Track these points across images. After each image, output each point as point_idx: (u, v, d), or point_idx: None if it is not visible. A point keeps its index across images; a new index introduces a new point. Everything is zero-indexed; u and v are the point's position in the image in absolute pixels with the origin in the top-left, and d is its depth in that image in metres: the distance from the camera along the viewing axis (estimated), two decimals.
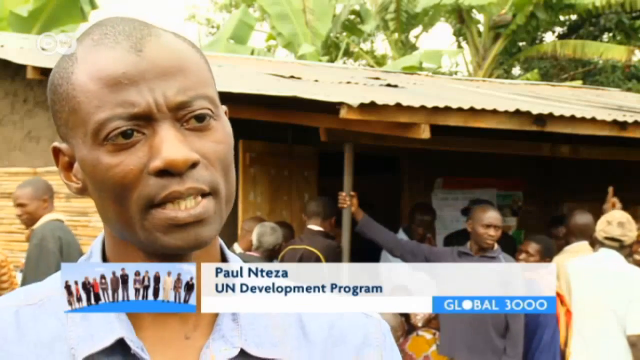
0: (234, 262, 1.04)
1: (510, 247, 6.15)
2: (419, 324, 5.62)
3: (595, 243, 4.93)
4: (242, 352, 0.98)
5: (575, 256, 5.65)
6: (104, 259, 1.02)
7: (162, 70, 0.93)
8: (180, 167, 0.91)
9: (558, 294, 5.34)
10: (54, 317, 0.98)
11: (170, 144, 0.91)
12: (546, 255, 5.60)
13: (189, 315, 0.99)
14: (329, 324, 1.05)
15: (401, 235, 6.59)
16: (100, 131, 0.92)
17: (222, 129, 0.97)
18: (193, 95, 0.94)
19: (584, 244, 5.74)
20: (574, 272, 4.81)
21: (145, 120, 0.92)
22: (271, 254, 5.36)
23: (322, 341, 1.04)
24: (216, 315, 1.00)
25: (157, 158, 0.91)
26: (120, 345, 0.95)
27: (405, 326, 5.45)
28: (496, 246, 5.33)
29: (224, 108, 1.02)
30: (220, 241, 1.04)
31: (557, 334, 5.18)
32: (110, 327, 0.96)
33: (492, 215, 5.22)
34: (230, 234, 6.10)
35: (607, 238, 4.68)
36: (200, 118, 0.95)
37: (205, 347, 0.98)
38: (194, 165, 0.92)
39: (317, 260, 5.49)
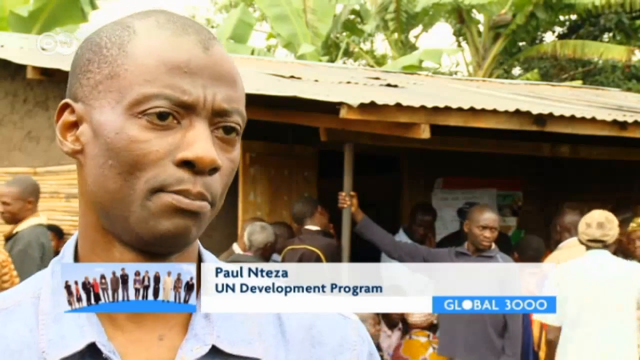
0: (209, 259, 1.04)
1: (507, 247, 6.14)
2: (416, 322, 5.61)
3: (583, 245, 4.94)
4: (214, 349, 0.98)
5: (570, 251, 5.68)
6: (76, 259, 1.01)
7: (219, 74, 0.96)
8: (205, 166, 0.93)
9: None
10: (23, 324, 0.97)
11: (205, 142, 0.93)
12: (527, 259, 5.61)
13: (164, 315, 0.98)
14: (308, 324, 1.04)
15: (402, 235, 6.59)
16: (141, 103, 0.93)
17: (238, 148, 1.00)
18: (235, 107, 0.97)
19: (577, 240, 5.78)
20: (568, 278, 4.79)
21: (187, 110, 0.94)
22: (263, 252, 5.34)
23: (300, 341, 1.03)
24: (190, 314, 0.99)
25: (189, 150, 0.93)
26: (92, 349, 0.95)
27: (377, 317, 5.45)
28: (493, 246, 5.34)
29: None
30: (198, 242, 1.04)
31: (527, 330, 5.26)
32: (81, 330, 0.95)
33: (488, 217, 5.22)
34: (230, 234, 6.10)
35: (589, 240, 4.70)
36: (230, 130, 0.97)
37: (179, 348, 0.97)
38: (214, 170, 0.94)
39: (318, 259, 5.49)
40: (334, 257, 5.49)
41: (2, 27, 12.87)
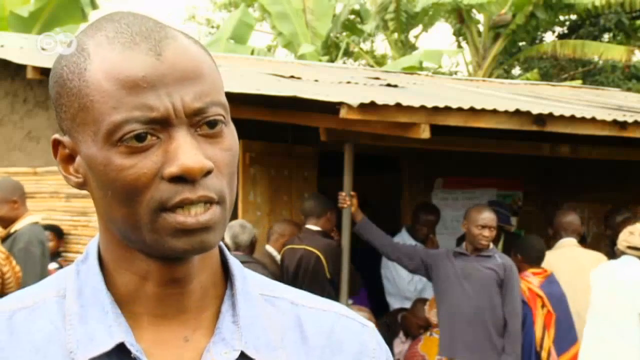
0: (234, 264, 1.05)
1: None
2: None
3: (616, 252, 5.06)
4: (243, 355, 0.98)
5: (561, 251, 5.75)
6: (100, 260, 1.01)
7: (180, 75, 0.93)
8: (195, 175, 0.91)
9: (539, 296, 5.37)
10: (49, 321, 0.98)
11: (187, 151, 0.92)
12: (531, 260, 5.61)
13: (189, 317, 0.99)
14: (328, 330, 1.05)
15: (404, 235, 6.59)
16: (115, 132, 0.92)
17: (230, 135, 0.97)
18: (209, 101, 0.94)
19: (572, 240, 5.84)
20: (596, 281, 4.89)
21: (161, 124, 0.92)
22: (251, 249, 5.40)
23: (321, 347, 1.04)
24: (216, 316, 1.00)
25: (174, 164, 0.91)
26: (120, 349, 0.95)
27: (373, 318, 5.46)
28: (492, 245, 5.35)
29: None
30: (221, 243, 1.04)
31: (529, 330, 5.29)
32: (109, 330, 0.96)
33: (486, 216, 5.22)
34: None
35: (629, 247, 4.84)
36: (213, 124, 0.95)
37: (206, 350, 0.98)
38: (207, 173, 0.93)
39: (317, 260, 5.49)
40: (334, 258, 5.48)
41: (2, 27, 12.87)
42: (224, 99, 0.97)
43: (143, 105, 0.91)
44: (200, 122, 0.94)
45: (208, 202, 0.93)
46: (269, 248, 5.83)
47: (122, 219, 0.94)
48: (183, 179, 0.92)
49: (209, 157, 0.93)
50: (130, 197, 0.92)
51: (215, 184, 0.94)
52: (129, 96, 0.91)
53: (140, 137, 0.92)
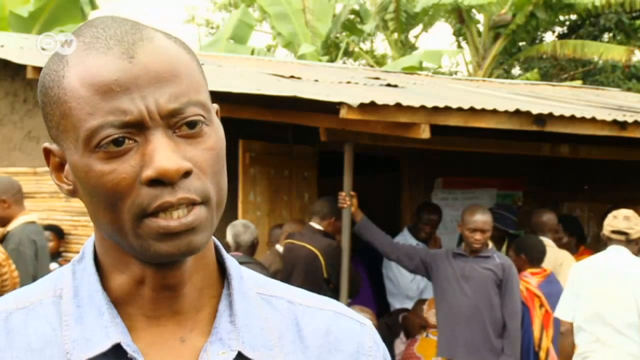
0: (231, 264, 1.04)
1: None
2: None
3: (602, 240, 4.98)
4: (240, 355, 0.98)
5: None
6: (96, 261, 1.01)
7: (154, 76, 0.92)
8: (172, 177, 0.90)
9: (537, 296, 5.37)
10: (45, 322, 0.98)
11: (163, 153, 0.91)
12: (534, 260, 5.63)
13: (186, 317, 0.99)
14: (325, 329, 1.05)
15: (406, 234, 6.59)
16: (92, 138, 0.91)
17: (214, 134, 0.96)
18: (185, 101, 0.93)
19: (546, 240, 5.93)
20: (582, 274, 4.80)
21: (137, 128, 0.92)
22: (252, 250, 5.40)
23: (318, 347, 1.04)
24: (213, 316, 1.00)
25: (150, 167, 0.90)
26: (117, 350, 0.95)
27: (374, 319, 5.46)
28: (490, 245, 5.34)
29: (215, 107, 1.00)
30: (217, 243, 1.04)
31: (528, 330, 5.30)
32: (105, 331, 0.96)
33: (478, 219, 5.16)
34: None
35: (613, 232, 4.72)
36: (192, 125, 0.93)
37: (203, 350, 0.98)
38: (186, 174, 0.92)
39: (315, 258, 5.49)
40: (333, 258, 5.48)
41: (2, 27, 12.88)
42: (203, 98, 0.96)
43: (117, 110, 0.91)
44: (178, 123, 0.93)
45: (190, 203, 0.92)
46: (279, 248, 5.84)
47: (108, 224, 0.94)
48: (161, 182, 0.91)
49: (189, 157, 0.92)
50: (113, 202, 0.92)
51: (197, 185, 0.93)
52: (103, 101, 0.91)
53: (117, 142, 0.91)
